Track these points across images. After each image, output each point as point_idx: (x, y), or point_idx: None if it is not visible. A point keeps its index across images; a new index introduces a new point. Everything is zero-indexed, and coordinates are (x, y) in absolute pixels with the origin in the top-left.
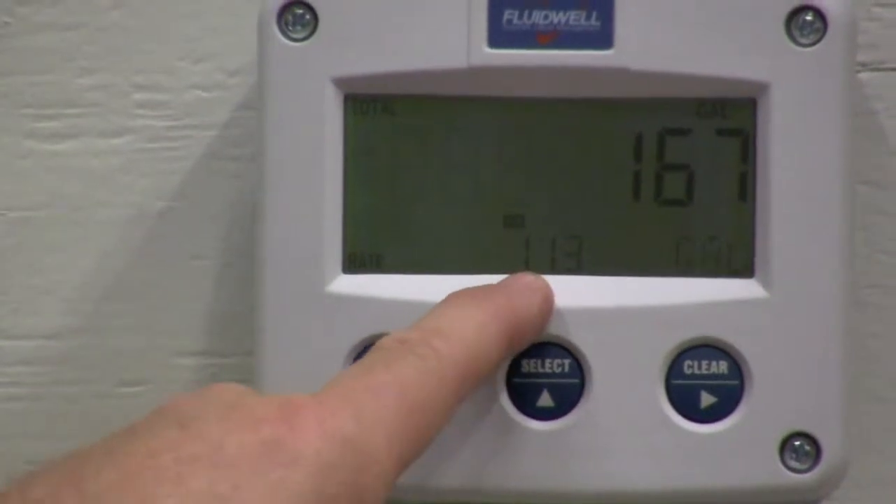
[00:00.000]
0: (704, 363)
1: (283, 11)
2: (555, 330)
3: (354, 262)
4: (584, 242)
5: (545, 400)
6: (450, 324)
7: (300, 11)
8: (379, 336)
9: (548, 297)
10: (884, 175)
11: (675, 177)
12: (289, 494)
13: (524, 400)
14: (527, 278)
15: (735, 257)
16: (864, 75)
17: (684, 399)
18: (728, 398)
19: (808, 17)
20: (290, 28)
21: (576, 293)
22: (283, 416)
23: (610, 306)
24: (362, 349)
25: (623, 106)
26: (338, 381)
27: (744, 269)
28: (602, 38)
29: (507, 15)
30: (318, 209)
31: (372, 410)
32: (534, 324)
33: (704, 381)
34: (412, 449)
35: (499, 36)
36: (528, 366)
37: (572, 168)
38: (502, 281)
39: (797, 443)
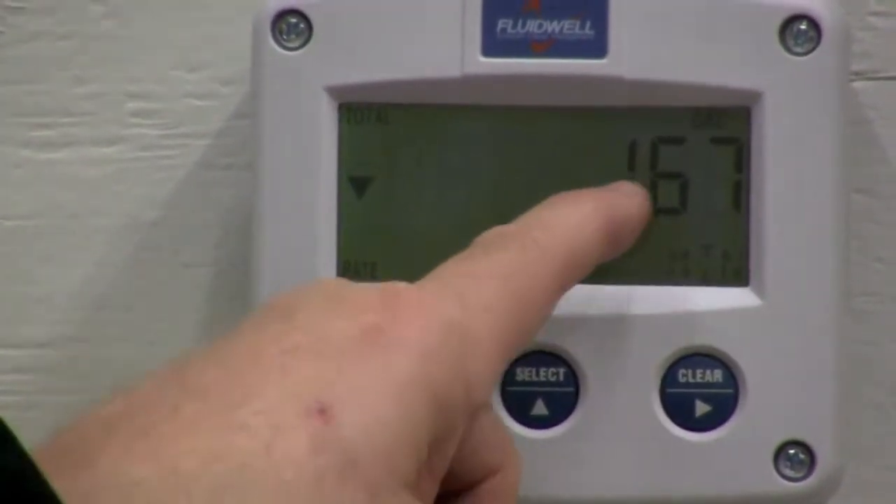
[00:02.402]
0: (699, 372)
1: (278, 20)
2: (549, 338)
3: (349, 271)
4: None
5: (539, 408)
6: (549, 217)
7: (294, 20)
8: None
9: (645, 202)
10: (878, 184)
11: (668, 185)
12: (395, 378)
13: (518, 408)
14: (625, 185)
15: (729, 266)
16: (858, 84)
17: (679, 407)
18: (722, 407)
19: (803, 27)
20: (285, 37)
21: (570, 301)
22: (385, 304)
23: (604, 315)
24: None
25: (617, 114)
26: (439, 271)
27: (738, 277)
28: (596, 46)
29: (501, 24)
30: (313, 218)
31: (474, 295)
32: (633, 224)
33: (699, 389)
34: (516, 336)
35: (493, 45)
36: (523, 374)
37: (567, 176)
38: (602, 186)
39: (791, 451)
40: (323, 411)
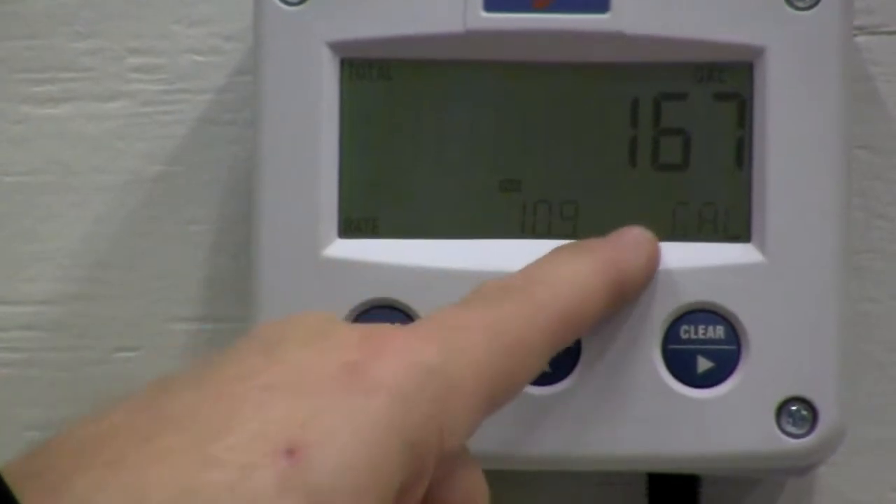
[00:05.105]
0: (701, 328)
1: None
2: None
3: (350, 227)
4: (580, 207)
5: None
6: (552, 274)
7: None
8: (375, 301)
9: (654, 252)
10: (881, 140)
11: (671, 142)
12: (368, 421)
13: None
14: (633, 232)
15: (732, 222)
16: (861, 39)
17: (681, 364)
18: (725, 363)
19: None
20: None
21: None
22: (367, 345)
23: None
24: (358, 314)
25: (619, 70)
26: (429, 318)
27: (740, 234)
28: (598, 2)
29: None
30: (314, 174)
31: (460, 345)
32: (639, 277)
33: (701, 346)
34: (502, 389)
35: (495, 0)
36: None
37: (569, 133)
38: (609, 235)
39: (794, 408)
40: (292, 452)
